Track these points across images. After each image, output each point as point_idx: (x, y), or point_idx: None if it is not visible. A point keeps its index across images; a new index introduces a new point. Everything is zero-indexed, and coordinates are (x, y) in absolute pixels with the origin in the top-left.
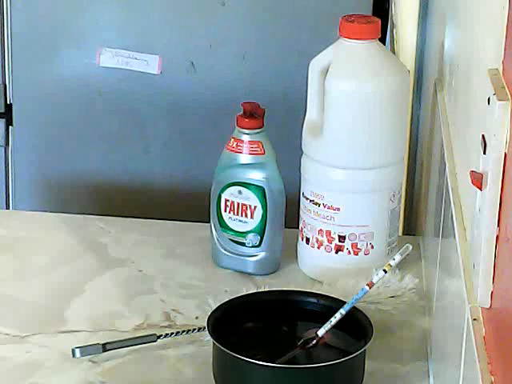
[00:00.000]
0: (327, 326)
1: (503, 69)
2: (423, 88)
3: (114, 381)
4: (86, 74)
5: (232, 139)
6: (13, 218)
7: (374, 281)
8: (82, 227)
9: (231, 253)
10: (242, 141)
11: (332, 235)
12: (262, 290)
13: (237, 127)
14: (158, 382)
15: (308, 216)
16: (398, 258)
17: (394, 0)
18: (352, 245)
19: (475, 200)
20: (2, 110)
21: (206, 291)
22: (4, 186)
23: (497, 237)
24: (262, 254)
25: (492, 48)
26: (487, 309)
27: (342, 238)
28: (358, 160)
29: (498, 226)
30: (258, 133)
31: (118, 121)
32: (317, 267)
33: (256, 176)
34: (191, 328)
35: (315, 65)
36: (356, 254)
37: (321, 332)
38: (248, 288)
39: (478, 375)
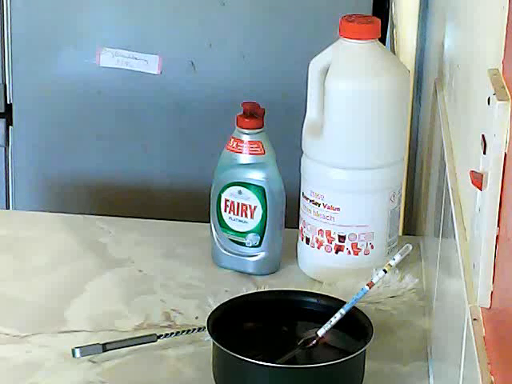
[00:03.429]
0: (327, 326)
1: (503, 69)
2: (423, 88)
3: (113, 381)
4: (85, 73)
5: (232, 139)
6: (13, 217)
7: (374, 281)
8: (81, 227)
9: (231, 253)
10: (242, 141)
11: (332, 235)
12: (262, 289)
13: (237, 127)
14: (157, 382)
15: (308, 216)
16: (397, 258)
17: (394, 0)
18: (352, 245)
19: (475, 200)
20: (2, 110)
21: (206, 291)
22: (4, 186)
23: (497, 237)
24: (261, 254)
25: (492, 48)
26: (487, 309)
27: (342, 238)
28: (358, 160)
29: (498, 226)
30: (257, 133)
31: (118, 121)
32: (317, 267)
33: (256, 176)
34: (191, 328)
35: (315, 65)
36: (356, 254)
37: (321, 332)
38: (248, 288)
39: (478, 375)
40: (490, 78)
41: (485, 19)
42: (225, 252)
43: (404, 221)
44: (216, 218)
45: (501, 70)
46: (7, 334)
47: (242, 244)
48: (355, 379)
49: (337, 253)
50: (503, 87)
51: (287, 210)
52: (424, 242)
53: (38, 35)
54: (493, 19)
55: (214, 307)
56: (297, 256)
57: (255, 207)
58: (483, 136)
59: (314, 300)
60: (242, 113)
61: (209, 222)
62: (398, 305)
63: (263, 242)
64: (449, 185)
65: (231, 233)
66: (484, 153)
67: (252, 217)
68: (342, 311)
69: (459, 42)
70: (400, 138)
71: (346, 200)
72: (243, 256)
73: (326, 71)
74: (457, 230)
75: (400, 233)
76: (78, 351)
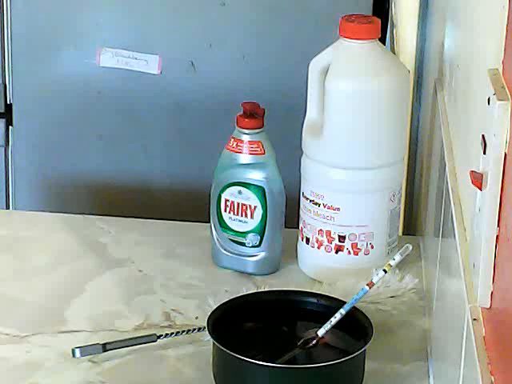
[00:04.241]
0: (327, 326)
1: (503, 69)
2: (423, 88)
3: (113, 381)
4: (85, 73)
5: (232, 139)
6: (13, 217)
7: (374, 281)
8: (81, 227)
9: (231, 253)
10: (242, 141)
11: (332, 235)
12: (262, 289)
13: (237, 127)
14: (157, 382)
15: (308, 216)
16: (397, 258)
17: (394, 0)
18: (352, 245)
19: (475, 200)
20: (2, 110)
21: (206, 291)
22: (4, 186)
23: (497, 237)
24: (262, 254)
25: (492, 48)
26: (487, 309)
27: (342, 238)
28: (358, 160)
29: (498, 226)
30: (257, 133)
31: (118, 121)
32: (317, 267)
33: (256, 176)
34: (191, 328)
35: (315, 65)
36: (356, 254)
37: (321, 332)
38: (248, 288)
39: (478, 375)
40: (490, 78)
41: (485, 19)
42: (225, 252)
43: (404, 221)
44: (216, 218)
45: (501, 70)
46: (7, 334)
47: (242, 244)
48: (355, 379)
49: (337, 253)
50: (503, 87)
51: (287, 210)
52: (424, 242)
53: (38, 35)
54: (493, 19)
55: (214, 307)
56: (297, 256)
57: (255, 207)
58: (483, 136)
59: (314, 300)
60: (242, 113)
61: (209, 221)
62: (397, 305)
63: (263, 242)
64: (449, 185)
65: (231, 233)
66: (484, 153)
67: (252, 217)
68: (342, 311)
69: (459, 42)
70: (400, 137)
71: (346, 200)
72: (243, 256)
73: (325, 71)
74: (457, 230)
75: (400, 233)
76: (78, 351)
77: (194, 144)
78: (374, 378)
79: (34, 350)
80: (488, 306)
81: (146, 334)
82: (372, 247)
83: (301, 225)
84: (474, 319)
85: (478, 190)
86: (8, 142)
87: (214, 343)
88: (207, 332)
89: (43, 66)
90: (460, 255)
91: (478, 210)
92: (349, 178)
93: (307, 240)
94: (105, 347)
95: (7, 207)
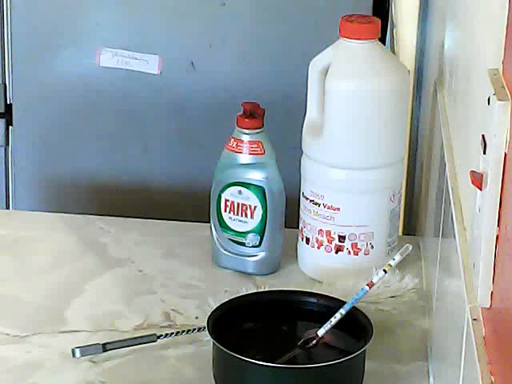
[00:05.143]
0: (327, 326)
1: (503, 69)
2: (423, 88)
3: (114, 381)
4: (85, 73)
5: (232, 139)
6: (13, 217)
7: (374, 281)
8: (81, 227)
9: (231, 253)
10: (242, 141)
11: (332, 235)
12: (262, 290)
13: (237, 127)
14: (157, 382)
15: (308, 216)
16: (398, 258)
17: (394, 0)
18: (352, 245)
19: (475, 200)
20: (2, 110)
21: (206, 291)
22: (4, 186)
23: (497, 237)
24: (261, 254)
25: (492, 48)
26: (487, 309)
27: (341, 238)
28: (358, 160)
29: (498, 225)
30: (258, 133)
31: (118, 121)
32: (317, 267)
33: (256, 176)
34: (191, 328)
35: (315, 65)
36: (356, 254)
37: (321, 332)
38: (248, 288)
39: (478, 375)
40: (490, 78)
41: (485, 19)
42: (225, 252)
43: (404, 221)
44: (216, 218)
45: (501, 70)
46: (7, 334)
47: (242, 244)
48: (355, 379)
49: (337, 253)
50: (503, 87)
51: (287, 210)
52: (424, 242)
53: (38, 35)
54: (493, 19)
55: (214, 307)
56: (297, 256)
57: (255, 207)
58: (483, 136)
59: (314, 300)
60: (241, 113)
61: (209, 221)
62: (397, 305)
63: (263, 242)
64: (449, 185)
65: (231, 233)
66: (484, 153)
67: (252, 217)
68: (342, 311)
69: (459, 42)
70: (400, 138)
71: (346, 200)
72: (243, 256)
73: (325, 71)
74: (457, 230)
75: (400, 233)
76: (78, 351)
77: (193, 144)
78: (374, 378)
79: (34, 350)
80: (488, 306)
81: (146, 334)
82: (372, 247)
83: (301, 225)
84: (474, 319)
85: (478, 190)
86: (8, 142)
87: (214, 343)
88: (207, 332)
89: (43, 66)
90: (460, 255)
91: (478, 210)
92: (349, 178)
93: (307, 240)
94: (105, 347)
95: (7, 207)
